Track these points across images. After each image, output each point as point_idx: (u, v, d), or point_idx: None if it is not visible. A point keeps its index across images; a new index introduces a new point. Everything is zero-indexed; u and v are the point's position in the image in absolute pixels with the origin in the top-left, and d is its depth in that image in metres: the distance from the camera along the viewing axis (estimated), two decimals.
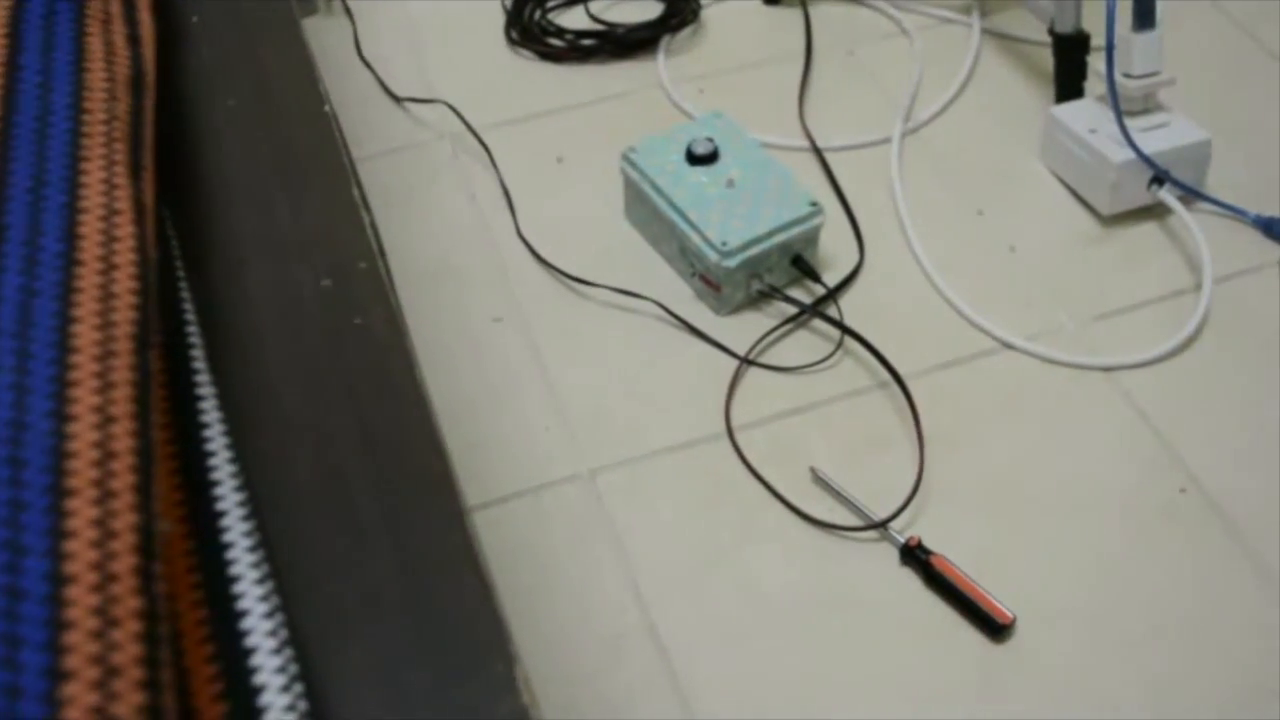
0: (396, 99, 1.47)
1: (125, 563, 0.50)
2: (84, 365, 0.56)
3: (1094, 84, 1.37)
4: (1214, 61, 1.49)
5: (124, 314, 0.59)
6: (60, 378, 0.55)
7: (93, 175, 0.64)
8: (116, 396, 0.55)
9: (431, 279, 1.26)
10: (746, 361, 1.18)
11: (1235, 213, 1.30)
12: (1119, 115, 1.24)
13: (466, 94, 1.47)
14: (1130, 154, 1.24)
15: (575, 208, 1.33)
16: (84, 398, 0.54)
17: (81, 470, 0.52)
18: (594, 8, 1.58)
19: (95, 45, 0.72)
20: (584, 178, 1.37)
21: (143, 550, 0.51)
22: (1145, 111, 1.28)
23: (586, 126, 1.43)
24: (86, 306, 0.58)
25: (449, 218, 1.33)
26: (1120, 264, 1.26)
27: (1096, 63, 1.28)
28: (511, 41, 1.55)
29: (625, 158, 1.27)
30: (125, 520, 0.51)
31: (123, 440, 0.54)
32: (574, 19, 1.57)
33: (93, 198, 0.63)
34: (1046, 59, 1.41)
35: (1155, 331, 1.19)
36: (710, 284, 1.20)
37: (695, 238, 1.19)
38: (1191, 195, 1.29)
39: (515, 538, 1.05)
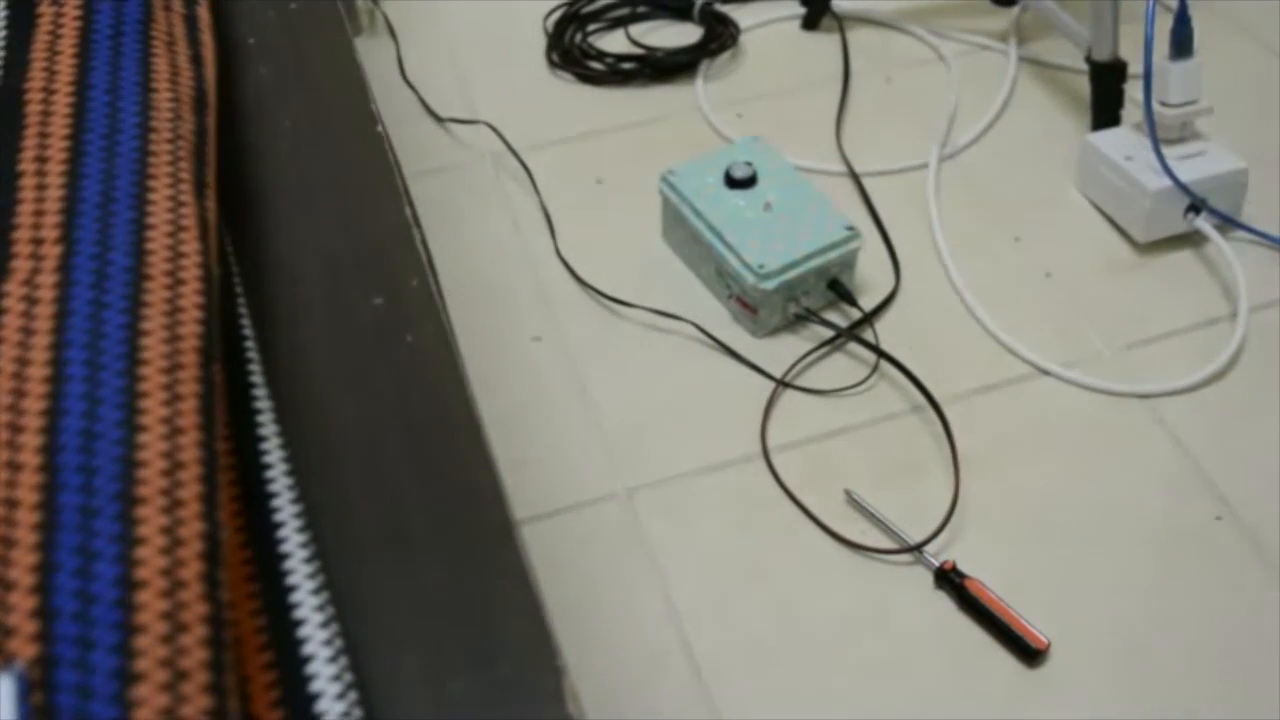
0: (439, 119, 1.49)
1: (193, 569, 0.51)
2: (152, 377, 0.57)
3: (1131, 112, 1.37)
4: (1252, 91, 1.49)
5: (190, 328, 0.60)
6: (130, 389, 0.56)
7: (160, 192, 0.66)
8: (184, 408, 0.57)
9: (472, 298, 1.28)
10: (782, 384, 1.19)
11: (1272, 241, 1.30)
12: (1155, 143, 1.24)
13: (508, 115, 1.49)
14: (1167, 182, 1.25)
15: (614, 229, 1.35)
16: (153, 409, 0.56)
17: (151, 479, 0.53)
18: (634, 32, 1.60)
19: (161, 65, 0.74)
20: (623, 199, 1.38)
21: (209, 557, 0.53)
22: (1182, 140, 1.29)
23: (625, 149, 1.45)
24: (154, 320, 0.60)
25: (489, 237, 1.34)
26: (1156, 291, 1.27)
27: (1134, 91, 1.29)
28: (552, 64, 1.56)
29: (664, 180, 1.28)
30: (193, 528, 0.53)
31: (190, 450, 0.55)
32: (614, 43, 1.59)
33: (160, 214, 0.65)
34: (1083, 86, 1.42)
35: (1191, 359, 1.20)
36: (747, 306, 1.22)
37: (733, 260, 1.20)
38: (1228, 223, 1.30)
39: (552, 555, 1.07)
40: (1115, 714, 0.96)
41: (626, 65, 1.54)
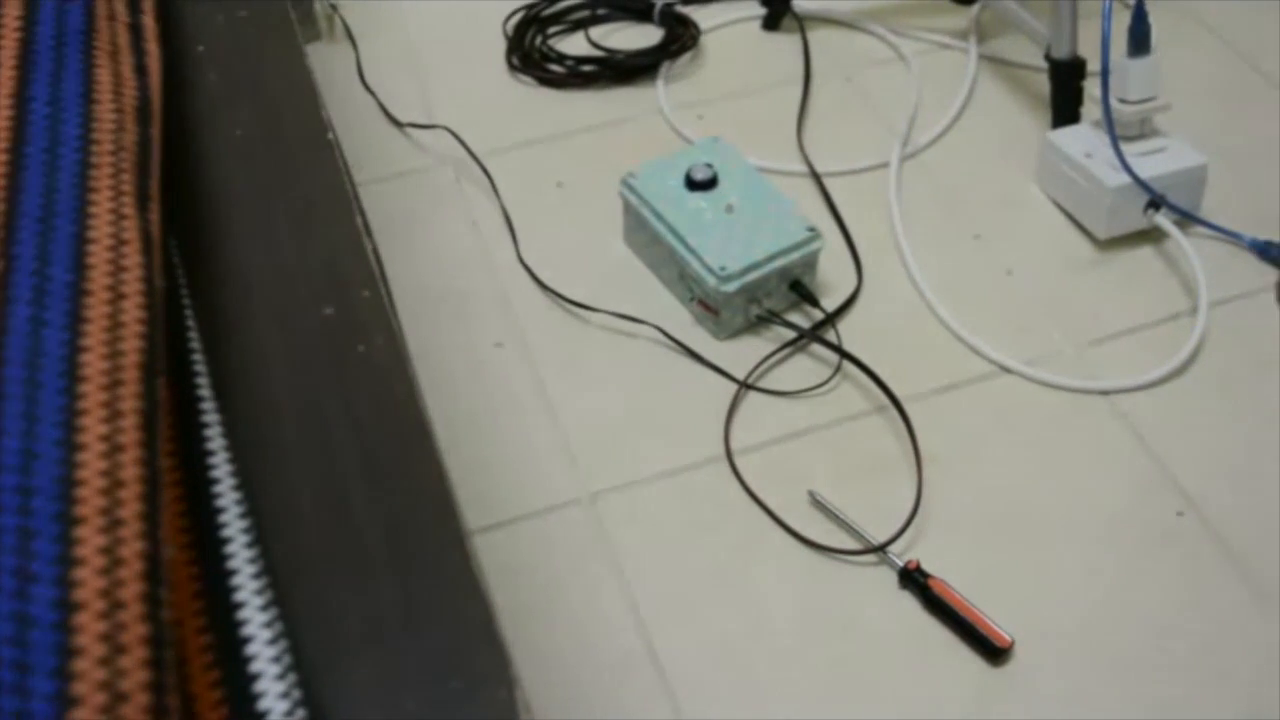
0: (398, 124, 1.48)
1: (133, 590, 0.51)
2: (92, 394, 0.56)
3: (1090, 109, 1.38)
4: (1210, 87, 1.50)
5: (132, 343, 0.59)
6: (69, 407, 0.56)
7: (101, 205, 0.65)
8: (124, 425, 0.56)
9: (433, 304, 1.27)
10: (745, 386, 1.19)
11: (1231, 236, 1.31)
12: (1115, 140, 1.25)
13: (468, 120, 1.48)
14: (1126, 178, 1.25)
15: (575, 233, 1.34)
16: (92, 426, 0.55)
17: (90, 498, 0.53)
18: (594, 34, 1.60)
19: (103, 76, 0.73)
20: (584, 203, 1.38)
21: (150, 577, 0.52)
22: (1141, 136, 1.30)
23: (586, 152, 1.44)
24: (95, 336, 0.59)
25: (450, 243, 1.34)
26: (1117, 288, 1.27)
27: (1093, 88, 1.29)
28: (512, 67, 1.56)
29: (625, 183, 1.28)
30: (133, 548, 0.52)
31: (130, 469, 0.54)
32: (574, 45, 1.59)
33: (101, 228, 0.64)
34: (1043, 84, 1.43)
35: (1152, 355, 1.20)
36: (709, 309, 1.21)
37: (694, 263, 1.20)
38: (1188, 219, 1.30)
39: (517, 561, 1.06)
40: (1079, 711, 0.96)
41: (587, 68, 1.53)
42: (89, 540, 0.51)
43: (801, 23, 1.60)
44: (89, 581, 0.50)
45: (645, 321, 1.24)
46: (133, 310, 0.61)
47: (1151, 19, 1.24)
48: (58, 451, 0.54)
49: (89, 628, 0.49)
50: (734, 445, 1.14)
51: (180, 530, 0.61)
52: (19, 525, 0.51)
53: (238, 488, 0.64)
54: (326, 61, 1.57)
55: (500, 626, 0.61)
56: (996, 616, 1.00)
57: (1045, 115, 1.43)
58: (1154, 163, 1.27)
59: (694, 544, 1.07)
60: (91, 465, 0.54)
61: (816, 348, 1.22)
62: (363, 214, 0.82)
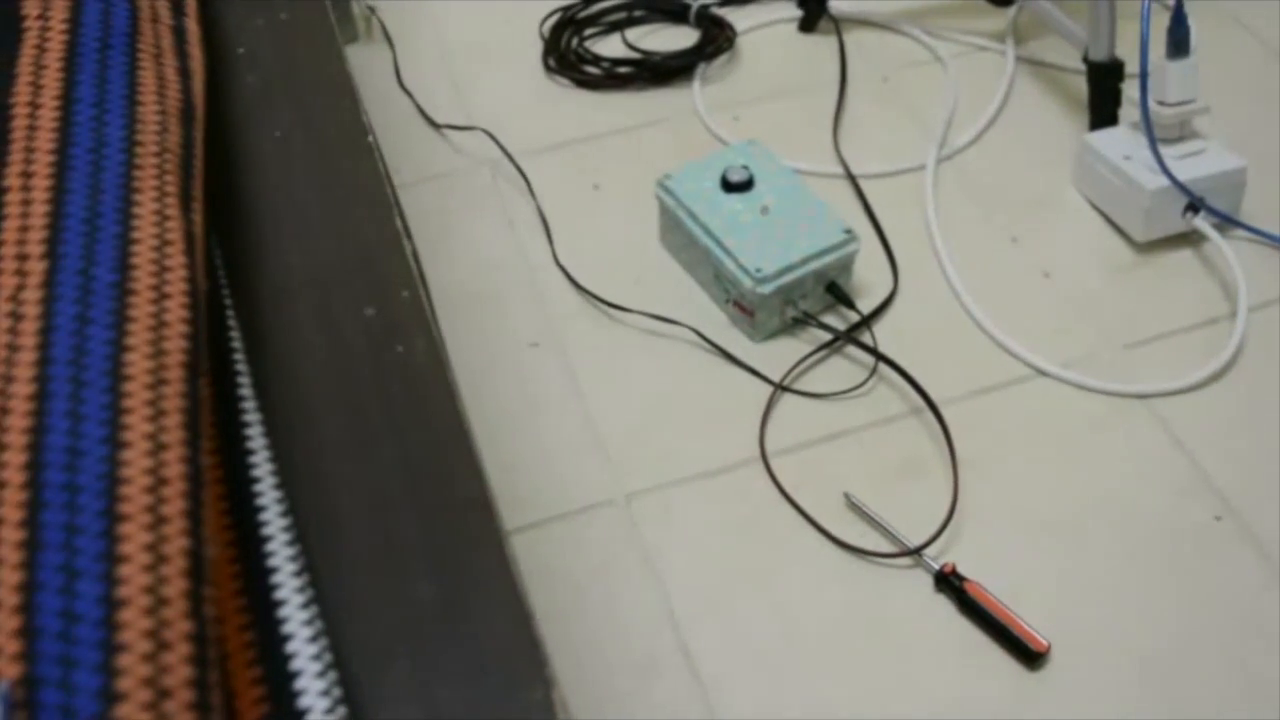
0: (436, 126, 1.49)
1: (176, 587, 0.51)
2: (137, 393, 0.57)
3: (1128, 111, 1.37)
4: (1250, 89, 1.49)
5: (175, 343, 0.60)
6: (114, 405, 0.56)
7: (145, 206, 0.66)
8: (168, 424, 0.57)
9: (469, 304, 1.28)
10: (781, 388, 1.19)
11: (1271, 240, 1.29)
12: (1153, 142, 1.24)
13: (504, 121, 1.49)
14: (1165, 181, 1.24)
15: (611, 234, 1.35)
16: (137, 425, 0.56)
17: (134, 496, 0.53)
18: (630, 36, 1.60)
19: (148, 78, 0.74)
20: (620, 204, 1.38)
21: (193, 574, 0.52)
22: (1180, 139, 1.29)
23: (622, 153, 1.45)
24: (139, 335, 0.59)
25: (487, 243, 1.34)
26: (1155, 291, 1.26)
27: (1131, 90, 1.28)
28: (549, 69, 1.56)
29: (661, 185, 1.28)
30: (177, 545, 0.53)
31: (174, 467, 0.55)
32: (610, 47, 1.59)
33: (145, 229, 0.65)
34: (1081, 86, 1.42)
35: (1190, 359, 1.19)
36: (745, 310, 1.21)
37: (730, 264, 1.20)
38: (1226, 222, 1.29)
39: (551, 561, 1.06)
40: (1116, 716, 0.95)
41: (623, 69, 1.54)
42: (133, 537, 0.52)
43: (838, 24, 1.60)
44: (134, 578, 0.51)
45: (680, 323, 1.24)
46: (176, 310, 0.62)
47: (1190, 21, 1.23)
48: (102, 449, 0.54)
49: (134, 624, 0.49)
50: (769, 447, 1.14)
51: (222, 528, 0.62)
52: (65, 522, 0.52)
53: (278, 486, 0.65)
54: (364, 63, 1.58)
55: (537, 626, 0.62)
56: (1033, 620, 1.00)
57: (1083, 117, 1.42)
58: (1193, 165, 1.26)
59: (728, 545, 1.07)
60: (136, 463, 0.54)
61: (852, 350, 1.22)
62: (402, 216, 0.83)
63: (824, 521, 1.08)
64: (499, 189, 1.41)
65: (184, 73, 0.78)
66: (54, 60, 0.73)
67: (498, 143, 1.44)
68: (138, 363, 0.58)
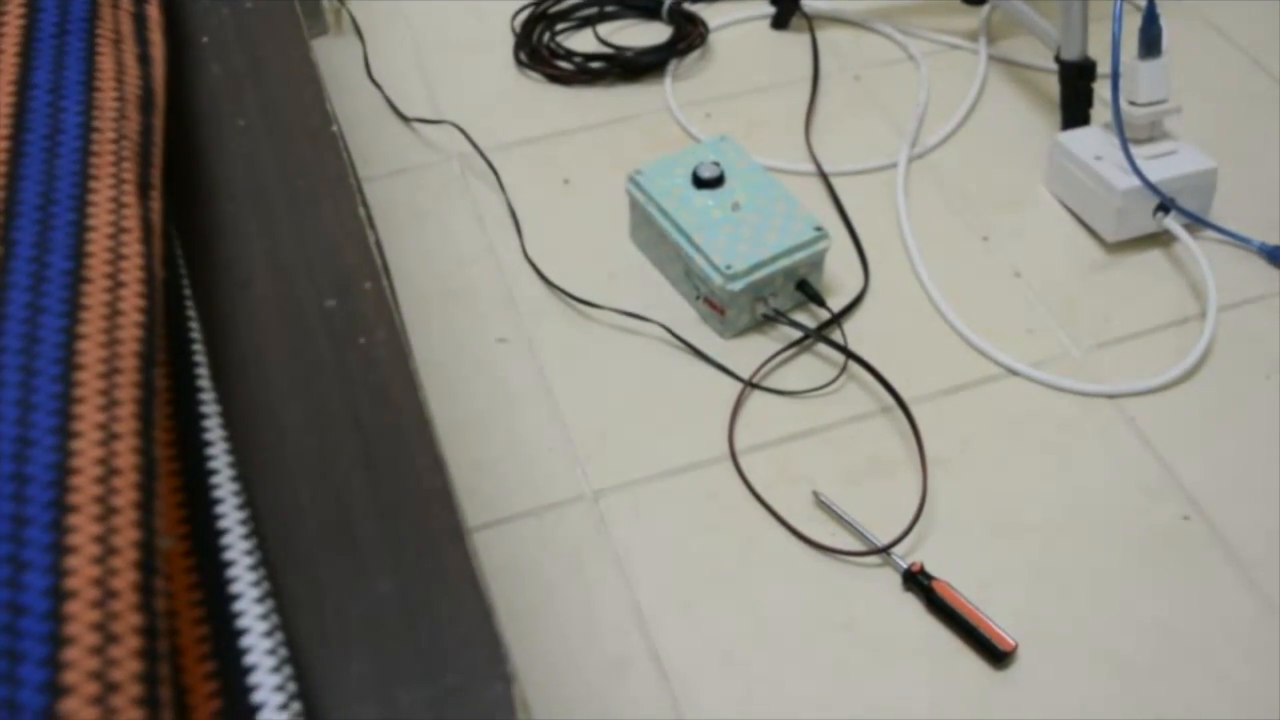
0: (405, 119, 1.48)
1: (126, 579, 0.50)
2: (89, 382, 0.56)
3: (1100, 111, 1.37)
4: (1221, 90, 1.49)
5: (129, 331, 0.59)
6: (65, 394, 0.55)
7: (101, 194, 0.65)
8: (121, 414, 0.55)
9: (438, 299, 1.27)
10: (750, 385, 1.18)
11: (1241, 241, 1.30)
12: (1124, 143, 1.24)
13: (475, 115, 1.48)
14: (1136, 181, 1.24)
15: (581, 230, 1.34)
16: (88, 414, 0.55)
17: (84, 486, 0.52)
18: (602, 31, 1.59)
19: (106, 64, 0.73)
20: (590, 200, 1.37)
21: (144, 567, 0.51)
22: (1151, 139, 1.29)
23: (593, 149, 1.44)
24: (92, 324, 0.58)
25: (456, 238, 1.33)
26: (1125, 291, 1.26)
27: (1102, 90, 1.29)
28: (520, 64, 1.55)
29: (631, 180, 1.27)
30: (127, 536, 0.51)
31: (126, 457, 0.54)
32: (582, 42, 1.58)
33: (101, 216, 0.63)
34: (1052, 86, 1.42)
35: (1160, 359, 1.19)
36: (715, 307, 1.21)
37: (700, 261, 1.19)
38: (1197, 223, 1.30)
39: (519, 558, 1.06)
40: (1083, 715, 0.95)
41: (595, 65, 1.53)
42: (83, 528, 0.51)
43: (811, 22, 1.59)
44: (82, 570, 0.50)
45: (650, 319, 1.24)
46: (131, 299, 0.61)
47: (1162, 21, 1.24)
48: (53, 439, 0.53)
49: (81, 616, 0.48)
50: (738, 445, 1.13)
51: (178, 521, 0.61)
52: (12, 512, 0.51)
53: (236, 479, 0.63)
54: (333, 56, 1.56)
55: (498, 622, 0.61)
56: (1001, 620, 1.00)
57: (1055, 117, 1.42)
58: (1164, 166, 1.27)
59: (697, 543, 1.06)
60: (87, 453, 0.53)
61: (822, 348, 1.21)
62: (366, 206, 0.82)
63: (793, 520, 1.07)
64: (469, 184, 1.40)
65: (144, 59, 0.77)
66: (10, 45, 0.72)
67: (468, 137, 1.43)
68: (90, 351, 0.57)
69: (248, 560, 0.60)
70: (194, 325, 0.71)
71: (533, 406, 1.17)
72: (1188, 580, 1.03)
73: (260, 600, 0.58)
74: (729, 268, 1.17)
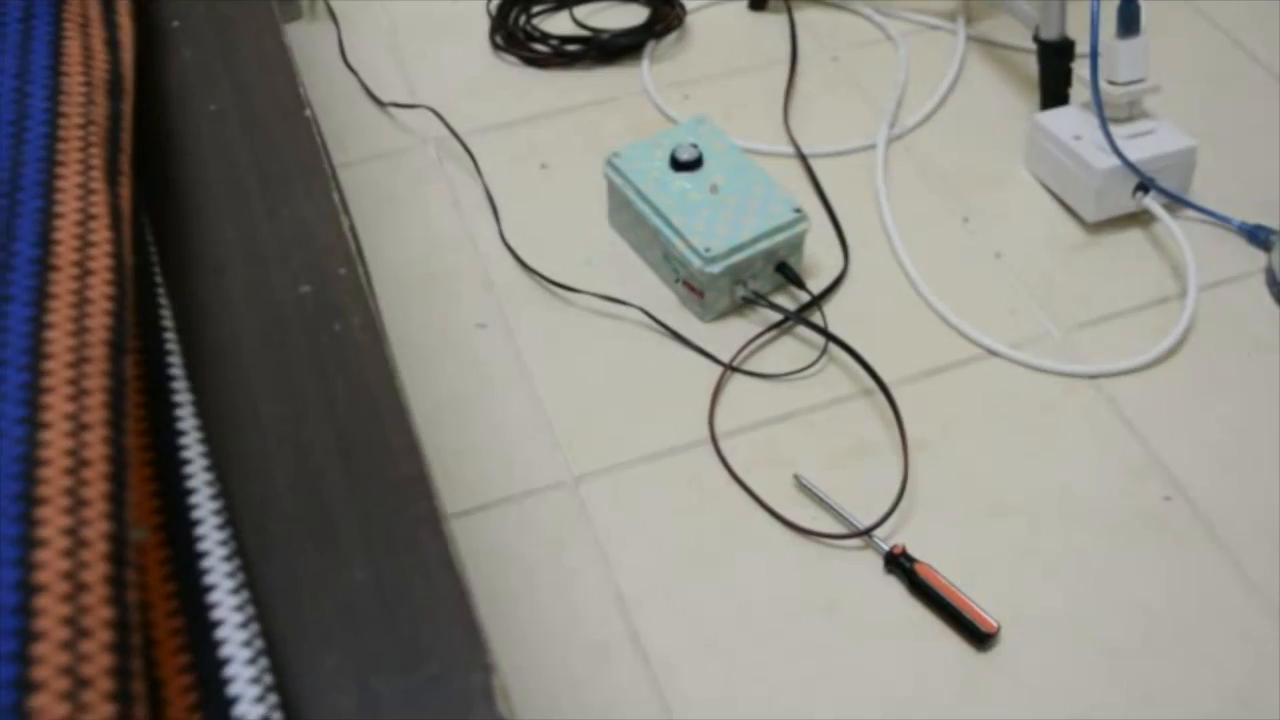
0: (381, 104, 1.46)
1: (97, 572, 0.49)
2: (57, 372, 0.55)
3: (1079, 91, 1.37)
4: (1200, 68, 1.49)
5: (99, 320, 0.58)
6: (33, 384, 0.54)
7: (69, 180, 0.63)
8: (90, 403, 0.54)
9: (415, 284, 1.26)
10: (730, 368, 1.18)
11: (1220, 220, 1.30)
12: (1103, 122, 1.24)
13: (451, 99, 1.46)
14: (1115, 161, 1.24)
15: (559, 213, 1.33)
16: (56, 405, 0.54)
17: (53, 478, 0.51)
18: (579, 13, 1.58)
19: (73, 49, 0.72)
20: (568, 183, 1.36)
21: (115, 559, 0.50)
22: (1130, 118, 1.28)
23: (571, 132, 1.43)
24: (61, 312, 0.57)
25: (433, 223, 1.32)
26: (1105, 271, 1.26)
27: (1081, 69, 1.28)
28: (496, 47, 1.54)
29: (609, 163, 1.26)
30: (97, 529, 0.51)
31: (96, 448, 0.53)
32: (559, 24, 1.57)
33: (69, 202, 0.62)
34: (1031, 65, 1.42)
35: (1140, 339, 1.19)
36: (694, 290, 1.20)
37: (679, 244, 1.19)
38: (1177, 202, 1.29)
39: (499, 544, 1.05)
40: (1065, 696, 0.95)
41: (572, 47, 1.52)
42: (52, 521, 0.50)
43: (788, 3, 1.58)
44: (51, 563, 0.49)
45: (629, 303, 1.23)
46: (100, 286, 0.60)
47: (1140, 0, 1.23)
48: (20, 429, 0.52)
49: (51, 610, 0.48)
50: (719, 428, 1.13)
51: (151, 512, 0.60)
52: None
53: (210, 469, 0.63)
54: (308, 41, 1.55)
55: (477, 610, 0.60)
56: (983, 601, 0.99)
57: (1034, 97, 1.42)
58: (1143, 145, 1.26)
59: (678, 528, 1.06)
60: (56, 444, 0.52)
61: (802, 330, 1.21)
62: (340, 191, 0.81)
63: (774, 503, 1.07)
64: (445, 168, 1.39)
65: (112, 44, 0.75)
66: None
67: (444, 121, 1.42)
68: (59, 340, 0.56)
69: (222, 551, 0.59)
70: (166, 313, 0.70)
71: (512, 392, 1.16)
72: (1170, 560, 1.03)
73: (235, 591, 0.58)
74: (708, 250, 1.17)
